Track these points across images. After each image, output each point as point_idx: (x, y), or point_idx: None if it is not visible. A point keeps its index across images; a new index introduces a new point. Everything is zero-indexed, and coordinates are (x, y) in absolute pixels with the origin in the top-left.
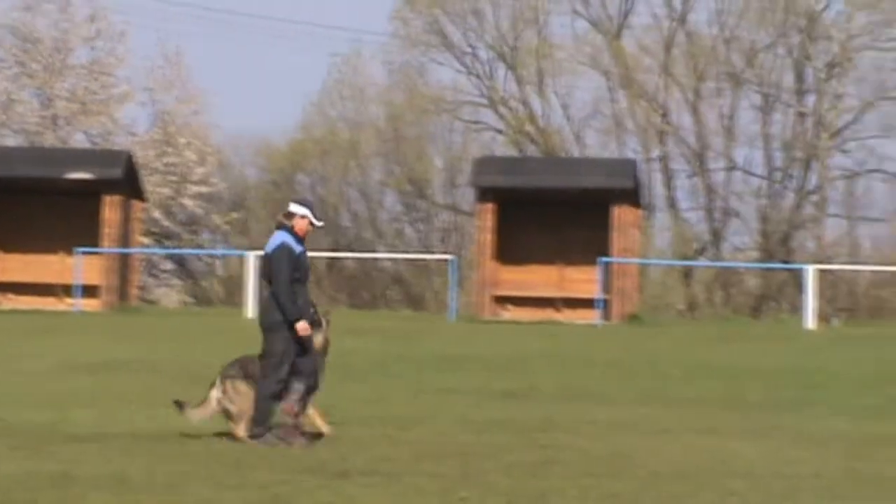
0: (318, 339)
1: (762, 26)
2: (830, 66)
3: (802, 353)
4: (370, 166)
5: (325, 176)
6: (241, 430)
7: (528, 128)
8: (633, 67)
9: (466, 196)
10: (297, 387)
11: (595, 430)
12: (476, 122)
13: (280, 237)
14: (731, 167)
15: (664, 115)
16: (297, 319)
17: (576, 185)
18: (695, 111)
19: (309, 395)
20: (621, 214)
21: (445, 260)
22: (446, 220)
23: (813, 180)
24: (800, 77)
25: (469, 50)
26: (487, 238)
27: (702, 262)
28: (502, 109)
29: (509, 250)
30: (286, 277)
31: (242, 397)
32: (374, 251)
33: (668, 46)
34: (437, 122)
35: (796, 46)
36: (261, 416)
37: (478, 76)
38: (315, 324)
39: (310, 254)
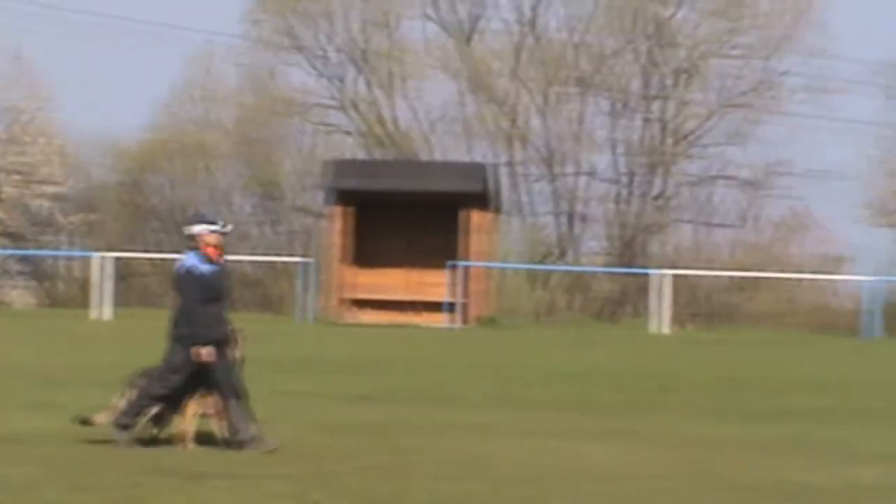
0: (235, 355)
1: (611, 32)
2: (678, 72)
3: (656, 358)
4: (220, 168)
5: (175, 177)
6: (104, 417)
7: (379, 131)
8: (483, 72)
9: (318, 199)
10: (233, 403)
11: (450, 432)
12: (326, 125)
13: (188, 260)
14: (580, 172)
15: (514, 120)
16: (206, 343)
17: (429, 188)
18: (544, 116)
19: (245, 401)
20: (472, 218)
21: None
22: (303, 223)
23: (661, 186)
24: (647, 83)
25: (321, 52)
26: (337, 241)
27: (551, 265)
28: (353, 112)
29: (365, 254)
30: (194, 299)
31: None
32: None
33: (517, 51)
34: (289, 125)
35: (644, 53)
36: (133, 409)
37: (329, 79)
38: (228, 341)
39: (161, 256)
